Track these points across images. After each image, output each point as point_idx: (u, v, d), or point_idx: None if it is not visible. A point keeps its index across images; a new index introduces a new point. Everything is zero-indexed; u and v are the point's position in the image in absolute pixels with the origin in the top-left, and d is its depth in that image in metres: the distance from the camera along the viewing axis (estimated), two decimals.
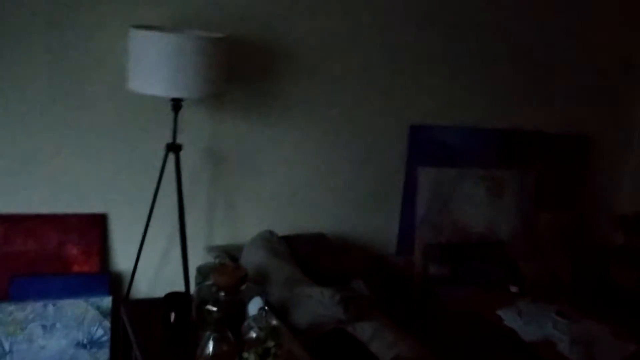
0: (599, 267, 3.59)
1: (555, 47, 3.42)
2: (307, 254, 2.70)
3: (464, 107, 3.28)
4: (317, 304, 2.21)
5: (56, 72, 2.50)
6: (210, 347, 1.84)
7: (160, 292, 2.73)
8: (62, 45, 2.48)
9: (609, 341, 2.76)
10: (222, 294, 2.00)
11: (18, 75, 2.45)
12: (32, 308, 2.50)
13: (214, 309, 1.96)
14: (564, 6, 3.38)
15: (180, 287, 2.64)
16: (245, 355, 1.80)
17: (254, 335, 1.86)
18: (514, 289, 3.11)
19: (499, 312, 2.85)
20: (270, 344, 1.81)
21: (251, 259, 2.51)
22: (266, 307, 1.92)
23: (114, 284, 2.70)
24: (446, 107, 3.23)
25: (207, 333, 1.87)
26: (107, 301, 2.59)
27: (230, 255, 2.66)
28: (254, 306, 2.07)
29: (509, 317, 2.82)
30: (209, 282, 2.05)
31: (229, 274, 2.03)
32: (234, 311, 2.02)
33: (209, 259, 2.66)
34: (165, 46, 2.26)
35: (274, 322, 1.91)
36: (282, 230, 2.80)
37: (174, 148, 2.52)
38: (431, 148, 3.23)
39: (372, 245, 3.22)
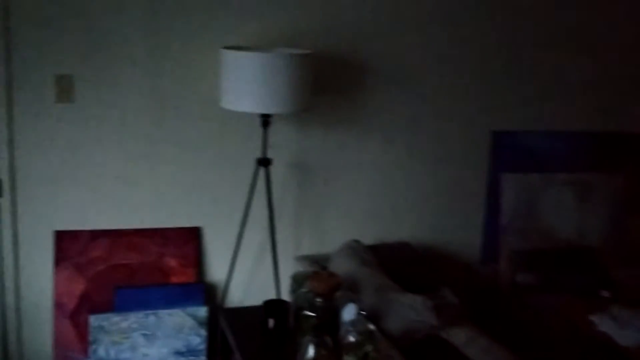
0: None
1: None
2: (393, 262, 2.73)
3: (546, 110, 3.24)
4: (409, 310, 2.23)
5: (155, 93, 2.63)
6: (311, 351, 1.90)
7: (251, 301, 2.84)
8: (160, 68, 2.62)
9: None
10: (319, 300, 2.06)
11: (120, 96, 2.60)
12: (135, 318, 2.65)
13: (312, 314, 2.01)
14: None
15: (271, 296, 2.72)
16: (347, 358, 1.85)
17: (352, 339, 1.91)
18: (605, 293, 3.03)
19: (592, 318, 2.79)
20: (369, 347, 1.86)
21: (339, 268, 2.55)
22: (363, 312, 1.97)
23: (208, 293, 2.82)
24: (528, 111, 3.20)
25: (306, 338, 1.93)
26: (203, 311, 2.71)
27: (318, 264, 2.73)
28: (348, 312, 2.12)
29: (603, 323, 2.75)
30: (304, 289, 2.11)
31: (325, 280, 2.08)
32: (329, 317, 2.07)
33: (298, 268, 2.73)
34: (253, 65, 2.36)
35: (371, 326, 1.95)
36: (367, 239, 2.85)
37: (264, 162, 2.61)
38: (514, 153, 3.20)
39: (456, 254, 3.22)
